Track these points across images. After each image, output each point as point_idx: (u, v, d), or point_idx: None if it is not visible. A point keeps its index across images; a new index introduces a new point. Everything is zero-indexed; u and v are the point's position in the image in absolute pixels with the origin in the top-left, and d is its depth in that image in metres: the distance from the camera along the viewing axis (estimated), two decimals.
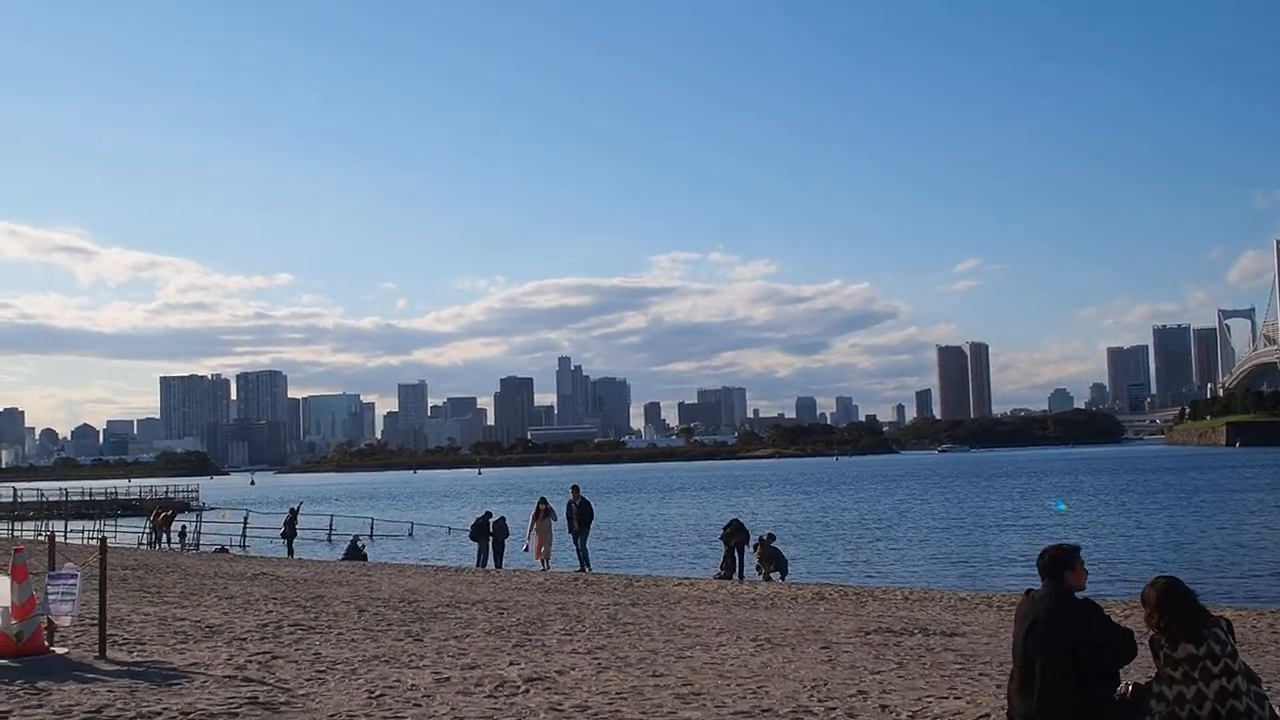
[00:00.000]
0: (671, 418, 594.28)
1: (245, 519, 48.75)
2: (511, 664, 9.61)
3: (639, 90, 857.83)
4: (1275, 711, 5.96)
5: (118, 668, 8.99)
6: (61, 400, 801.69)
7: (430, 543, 46.34)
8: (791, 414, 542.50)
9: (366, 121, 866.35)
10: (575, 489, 27.60)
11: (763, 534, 26.56)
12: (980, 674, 9.39)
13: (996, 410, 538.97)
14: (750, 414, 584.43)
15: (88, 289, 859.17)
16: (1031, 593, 6.55)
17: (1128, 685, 6.20)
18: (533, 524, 27.34)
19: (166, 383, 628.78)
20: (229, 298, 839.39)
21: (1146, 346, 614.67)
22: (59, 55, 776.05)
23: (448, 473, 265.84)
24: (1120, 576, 25.79)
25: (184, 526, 44.53)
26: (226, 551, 38.80)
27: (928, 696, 8.17)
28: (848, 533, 44.32)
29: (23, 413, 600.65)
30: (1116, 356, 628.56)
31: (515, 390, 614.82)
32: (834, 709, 7.67)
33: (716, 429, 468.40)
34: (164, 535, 42.28)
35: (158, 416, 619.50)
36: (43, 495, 77.35)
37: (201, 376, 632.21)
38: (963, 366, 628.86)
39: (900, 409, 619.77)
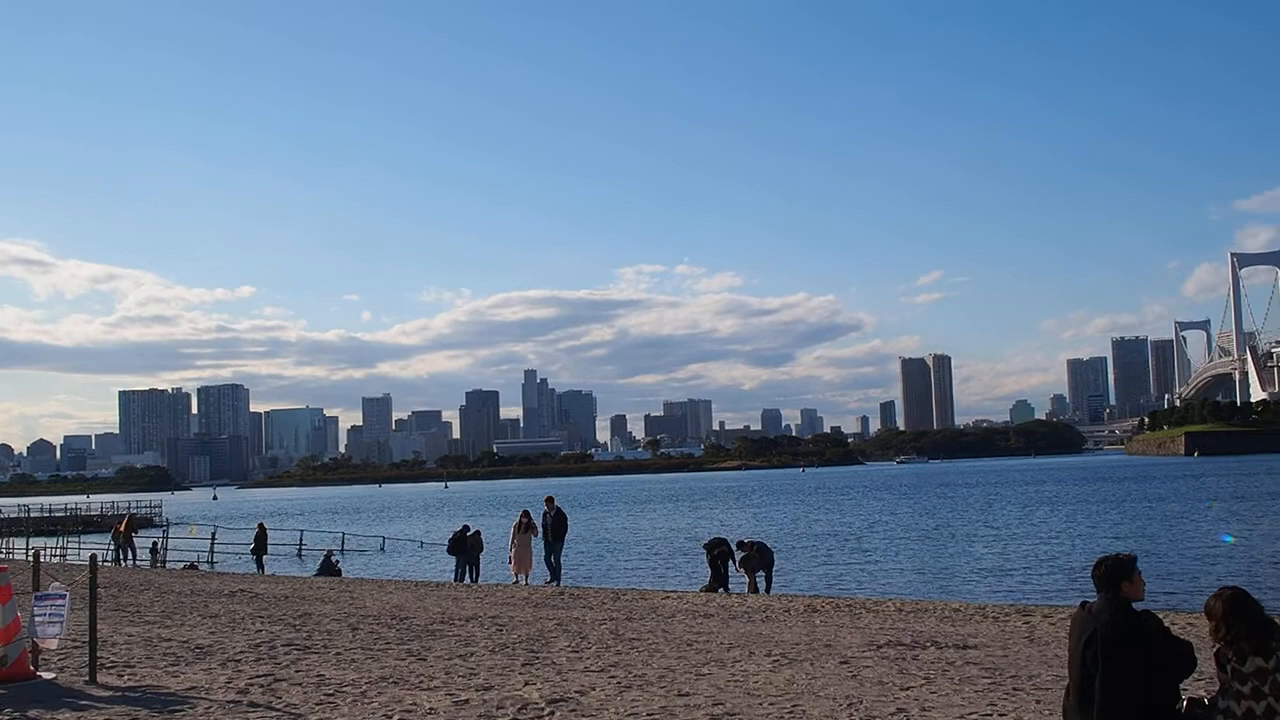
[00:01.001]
0: (638, 430, 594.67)
1: (214, 535, 47.74)
2: (527, 684, 9.17)
3: (603, 104, 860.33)
4: None
5: (111, 693, 8.50)
6: (17, 415, 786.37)
7: (402, 557, 45.73)
8: (757, 426, 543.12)
9: (331, 132, 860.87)
10: (550, 500, 27.22)
11: (743, 538, 26.46)
12: (1014, 689, 9.07)
13: (959, 421, 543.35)
14: (716, 426, 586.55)
15: (45, 302, 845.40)
16: (1087, 605, 6.24)
17: (1184, 701, 5.92)
18: (514, 538, 26.97)
19: (126, 397, 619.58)
20: (190, 310, 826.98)
21: (1105, 358, 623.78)
22: (12, 68, 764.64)
23: (413, 487, 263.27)
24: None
25: (155, 543, 43.42)
26: (196, 568, 37.92)
27: (970, 713, 7.84)
28: (818, 544, 44.07)
29: None
30: (1076, 368, 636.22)
31: (481, 403, 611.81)
32: None
33: (683, 441, 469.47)
34: (129, 550, 41.11)
35: (116, 431, 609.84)
36: (1, 512, 75.60)
37: (162, 390, 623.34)
38: (926, 378, 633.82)
39: (865, 420, 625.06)
